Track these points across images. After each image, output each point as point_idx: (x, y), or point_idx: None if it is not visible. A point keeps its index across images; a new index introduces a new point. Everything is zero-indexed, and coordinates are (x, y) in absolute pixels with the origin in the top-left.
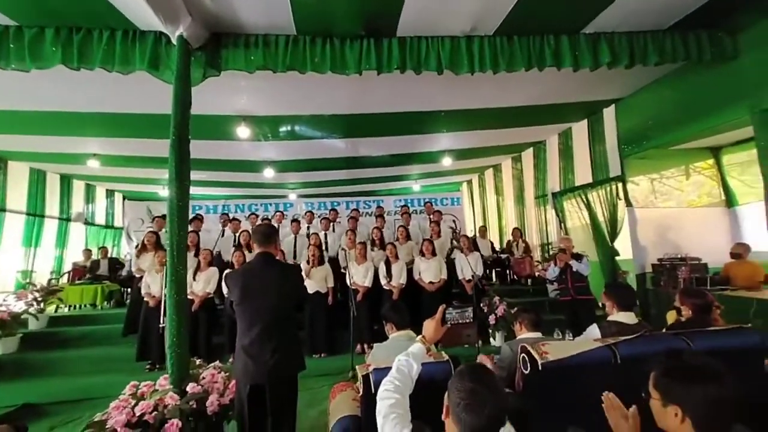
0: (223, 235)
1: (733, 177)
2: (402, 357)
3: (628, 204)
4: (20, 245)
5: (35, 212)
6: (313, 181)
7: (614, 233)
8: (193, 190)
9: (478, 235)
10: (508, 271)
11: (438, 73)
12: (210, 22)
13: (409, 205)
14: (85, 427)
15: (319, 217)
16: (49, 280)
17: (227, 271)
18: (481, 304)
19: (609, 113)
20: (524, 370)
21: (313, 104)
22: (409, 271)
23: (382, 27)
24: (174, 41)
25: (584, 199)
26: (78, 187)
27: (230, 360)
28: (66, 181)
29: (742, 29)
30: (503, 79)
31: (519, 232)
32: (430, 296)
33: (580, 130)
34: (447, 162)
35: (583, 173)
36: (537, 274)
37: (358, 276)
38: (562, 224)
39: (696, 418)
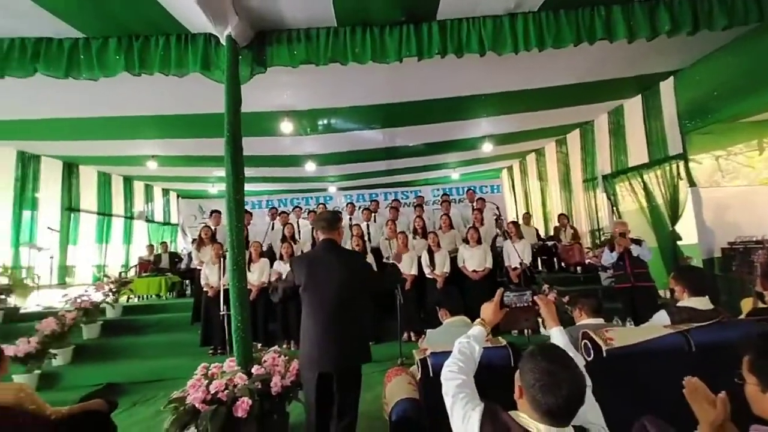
0: (272, 228)
1: None
2: (463, 339)
3: (692, 184)
4: (94, 242)
5: (104, 212)
6: (352, 173)
7: (675, 216)
8: None
9: (522, 222)
10: (555, 259)
11: (480, 55)
12: (255, 21)
13: (449, 193)
14: (168, 402)
15: (359, 208)
16: (120, 273)
17: (282, 259)
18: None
19: (667, 87)
20: (586, 357)
21: (352, 95)
22: (453, 260)
23: (422, 11)
24: (223, 41)
25: (640, 181)
26: (138, 188)
27: (284, 346)
28: (128, 182)
29: None
30: (547, 57)
31: (566, 218)
32: (475, 285)
33: (633, 106)
34: (487, 148)
35: (637, 153)
36: (587, 261)
37: (403, 265)
38: (615, 208)
39: None
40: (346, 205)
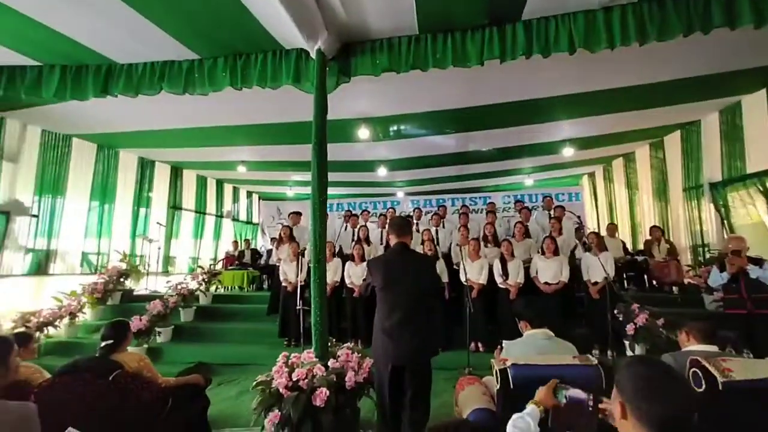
0: (345, 230)
1: None
2: (517, 415)
3: None
4: (191, 236)
5: (200, 210)
6: (421, 178)
7: None
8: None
9: (606, 233)
10: (645, 276)
11: (570, 53)
12: (343, 34)
13: (522, 200)
14: (255, 384)
15: (427, 213)
16: (210, 265)
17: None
18: (615, 311)
19: None
20: (696, 388)
21: (428, 100)
22: (526, 270)
23: (507, 13)
24: (313, 55)
25: (762, 190)
26: (228, 190)
27: (352, 344)
28: (220, 184)
29: None
30: (644, 51)
31: (660, 231)
32: (548, 298)
33: (754, 103)
34: (568, 153)
35: (760, 158)
36: (687, 280)
37: (473, 273)
38: (725, 222)
39: None
40: (414, 209)
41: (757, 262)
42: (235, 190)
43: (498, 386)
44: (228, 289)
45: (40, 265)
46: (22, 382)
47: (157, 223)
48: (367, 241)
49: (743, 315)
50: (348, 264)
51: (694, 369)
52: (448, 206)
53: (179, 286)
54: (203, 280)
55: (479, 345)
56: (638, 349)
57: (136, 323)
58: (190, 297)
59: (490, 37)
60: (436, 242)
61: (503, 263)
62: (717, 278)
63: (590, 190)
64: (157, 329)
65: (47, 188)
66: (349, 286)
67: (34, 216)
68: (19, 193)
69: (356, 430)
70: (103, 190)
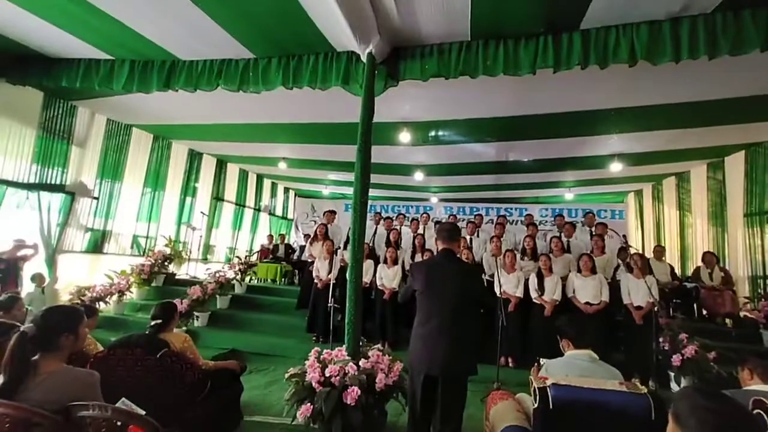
0: (375, 232)
1: None
2: None
3: None
4: (230, 227)
5: (240, 203)
6: (456, 185)
7: None
8: (348, 190)
9: (653, 256)
10: (695, 305)
11: (630, 65)
12: (393, 38)
13: (563, 215)
14: (289, 376)
15: (465, 221)
16: (246, 256)
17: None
18: (660, 339)
19: None
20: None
21: (473, 107)
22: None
23: (565, 21)
24: (363, 58)
25: None
26: (267, 185)
27: (378, 345)
28: (260, 179)
29: None
30: (710, 65)
31: (714, 258)
32: (588, 319)
33: None
34: (615, 168)
35: None
36: (743, 313)
37: (509, 285)
38: None
39: None
40: (449, 216)
41: None
42: (274, 186)
43: (536, 405)
44: (261, 281)
45: (97, 244)
46: (80, 352)
47: (201, 212)
48: (398, 244)
49: None
50: (380, 266)
51: (758, 410)
52: (483, 215)
53: (218, 274)
54: (239, 270)
55: (509, 360)
56: (684, 383)
57: (178, 306)
58: (227, 285)
59: (544, 45)
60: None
61: (540, 278)
62: None
63: (636, 208)
64: (196, 313)
65: (108, 173)
66: (379, 287)
67: (95, 198)
68: (84, 176)
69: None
70: (156, 178)
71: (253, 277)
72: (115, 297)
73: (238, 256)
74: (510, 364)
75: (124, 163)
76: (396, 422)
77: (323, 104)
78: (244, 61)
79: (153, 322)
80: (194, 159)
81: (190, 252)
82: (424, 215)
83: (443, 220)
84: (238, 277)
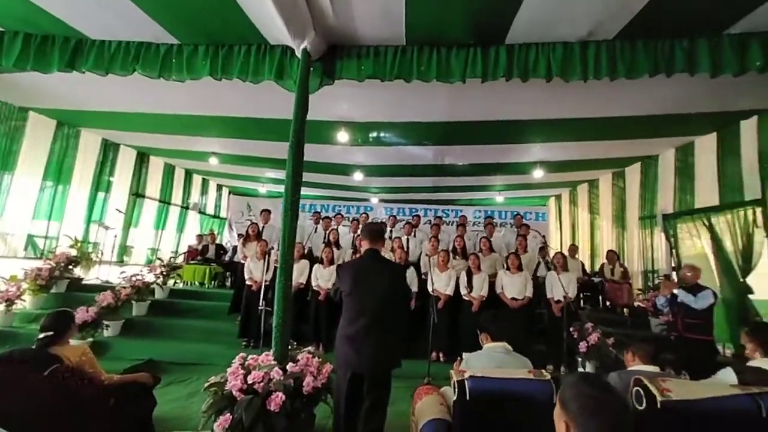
0: (315, 232)
1: None
2: None
3: None
4: (152, 227)
5: (164, 200)
6: (396, 186)
7: (747, 267)
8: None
9: (567, 254)
10: (600, 297)
11: (547, 80)
12: (329, 36)
13: (492, 216)
14: (207, 386)
15: (401, 221)
16: (170, 258)
17: (322, 263)
18: (571, 329)
19: (749, 126)
20: (638, 406)
21: (411, 111)
22: (491, 284)
23: (492, 35)
24: (298, 53)
25: (706, 224)
26: (197, 181)
27: (312, 347)
28: (189, 175)
29: None
30: (615, 86)
31: (616, 256)
32: (512, 313)
33: (706, 144)
34: (538, 174)
35: (706, 194)
36: (637, 304)
37: (440, 283)
38: (674, 251)
39: None
40: (389, 217)
41: (695, 289)
42: (205, 182)
43: (455, 397)
44: (188, 284)
45: None
46: None
47: (116, 209)
48: (337, 244)
49: (680, 338)
50: (316, 266)
51: (636, 388)
52: (421, 216)
53: (134, 278)
54: (161, 272)
55: (440, 355)
56: (589, 366)
57: (81, 314)
58: (145, 290)
59: (474, 56)
60: (406, 251)
61: (469, 276)
62: (661, 302)
63: (556, 211)
64: (105, 322)
65: None
66: (315, 288)
67: None
68: None
69: None
70: (58, 170)
71: (178, 281)
72: (1, 307)
73: (160, 258)
74: (441, 359)
75: (17, 152)
76: (325, 425)
77: (259, 98)
78: (166, 46)
79: (42, 335)
80: (109, 150)
81: (102, 253)
82: (364, 215)
83: (383, 221)
84: (159, 280)
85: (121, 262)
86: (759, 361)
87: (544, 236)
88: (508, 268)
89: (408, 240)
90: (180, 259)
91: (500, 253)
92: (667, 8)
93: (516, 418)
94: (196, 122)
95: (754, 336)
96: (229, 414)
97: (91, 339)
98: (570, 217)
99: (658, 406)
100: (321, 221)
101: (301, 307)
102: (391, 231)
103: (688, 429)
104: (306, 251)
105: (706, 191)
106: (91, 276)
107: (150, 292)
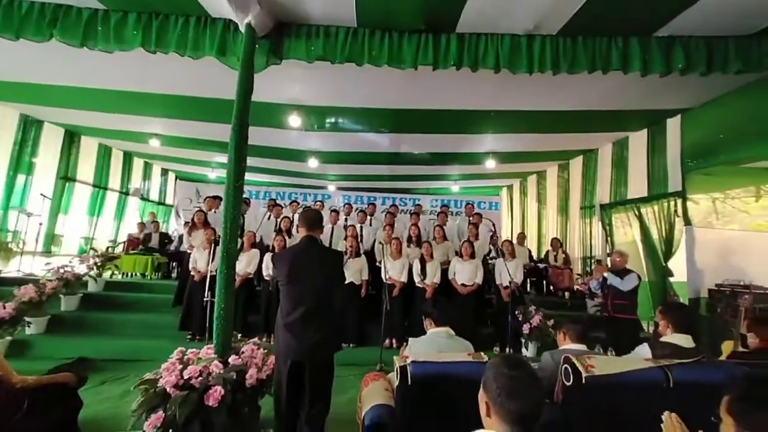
0: (269, 219)
1: None
2: None
3: (687, 222)
4: (85, 214)
5: (100, 185)
6: (353, 174)
7: (669, 252)
8: None
9: (516, 241)
10: (544, 282)
11: (495, 71)
12: (276, 12)
13: (448, 205)
14: (138, 383)
15: (356, 210)
16: (107, 247)
17: (275, 252)
18: (516, 312)
19: (674, 124)
20: (566, 381)
21: (364, 97)
22: (444, 271)
23: (443, 22)
24: (242, 29)
25: (636, 214)
26: (138, 164)
27: (264, 338)
28: (128, 157)
29: None
30: (560, 81)
31: (559, 243)
32: (462, 298)
33: (638, 140)
34: (490, 164)
35: (637, 186)
36: (576, 287)
37: (394, 271)
38: (609, 238)
39: None
40: (344, 205)
41: (622, 273)
42: (147, 166)
43: (397, 382)
44: (127, 276)
45: None
46: None
47: (41, 194)
48: (289, 232)
49: (609, 318)
50: (267, 255)
51: (565, 365)
52: (378, 204)
53: (62, 270)
54: (95, 264)
55: (393, 342)
56: (531, 347)
57: None
58: (75, 282)
59: (425, 42)
60: (360, 239)
61: (422, 263)
62: (594, 284)
63: (508, 201)
64: (27, 318)
65: None
66: (266, 278)
67: None
68: None
69: (256, 430)
70: None
71: (116, 272)
72: None
73: (94, 248)
74: (394, 345)
75: None
76: (272, 416)
77: (205, 76)
78: (89, 11)
79: None
80: (30, 127)
81: (24, 243)
82: (318, 203)
83: (338, 209)
84: (93, 272)
85: (48, 252)
86: (669, 337)
87: (494, 224)
88: (461, 255)
89: (362, 228)
90: (119, 249)
91: (453, 241)
92: (603, 9)
93: (456, 399)
94: (133, 99)
95: (665, 314)
96: (161, 412)
97: (9, 338)
98: (520, 206)
99: (584, 381)
100: (273, 208)
101: (251, 297)
102: (346, 219)
103: (609, 400)
104: (257, 240)
105: (637, 183)
106: (11, 268)
107: (82, 284)
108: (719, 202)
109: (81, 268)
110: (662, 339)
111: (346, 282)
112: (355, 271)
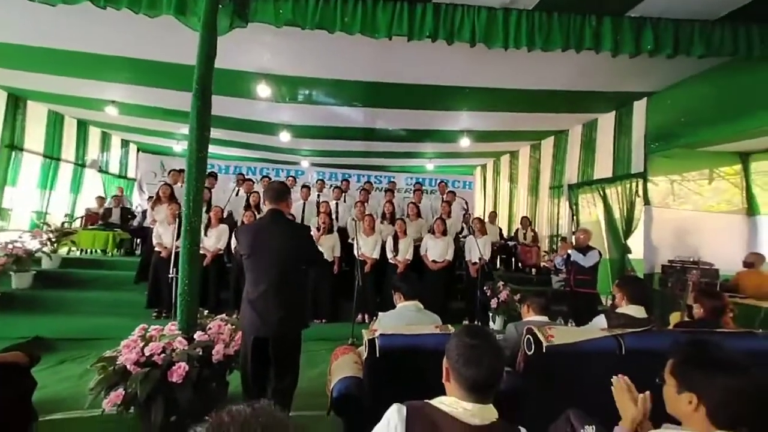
0: (237, 194)
1: (758, 185)
2: None
3: (647, 202)
4: (36, 186)
5: (52, 155)
6: (327, 150)
7: (629, 231)
8: (210, 148)
9: (487, 220)
10: (513, 259)
11: (471, 45)
12: None
13: (422, 183)
14: (96, 361)
15: (330, 186)
16: (63, 223)
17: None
18: (485, 288)
19: (640, 106)
20: (528, 351)
21: (337, 68)
22: (417, 248)
23: None
24: None
25: (601, 194)
26: (94, 134)
27: (235, 315)
28: (83, 126)
29: None
30: (535, 59)
31: (528, 221)
32: (433, 274)
33: (606, 122)
34: (464, 143)
35: (603, 167)
36: (543, 264)
37: (366, 247)
38: (575, 217)
39: (711, 407)
40: (317, 181)
41: (584, 250)
42: (105, 136)
43: (365, 355)
44: (87, 252)
45: None
46: None
47: None
48: (259, 208)
49: (571, 292)
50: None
51: (527, 336)
52: (353, 182)
53: (11, 246)
54: (48, 239)
55: (365, 317)
56: (498, 320)
57: None
58: (27, 259)
59: (400, 11)
60: (335, 216)
61: (395, 240)
62: (559, 261)
63: (481, 180)
64: None
65: None
66: (235, 250)
67: None
68: None
69: (224, 404)
70: None
71: (74, 248)
72: None
73: (46, 222)
74: (366, 320)
75: None
76: (240, 391)
77: (167, 39)
78: None
79: None
80: None
81: None
82: (290, 178)
83: (309, 184)
84: (47, 248)
85: None
86: (624, 308)
87: (466, 202)
88: (433, 232)
89: (337, 205)
90: (77, 224)
91: (427, 219)
92: None
93: (423, 370)
94: (86, 62)
95: (621, 287)
96: (121, 390)
97: None
98: (493, 185)
99: (544, 350)
100: (243, 183)
101: (222, 273)
102: (318, 195)
103: (567, 367)
104: (226, 215)
105: (604, 164)
106: None
107: (35, 261)
108: (677, 184)
109: (33, 244)
110: (618, 310)
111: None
112: (327, 248)
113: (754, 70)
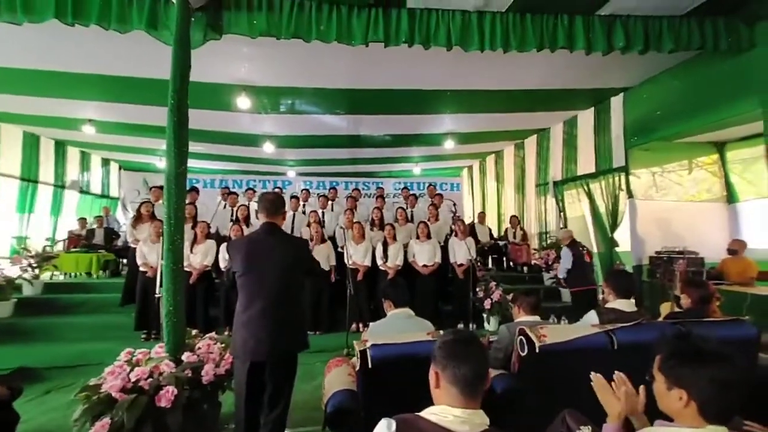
0: (224, 208)
1: (735, 173)
2: None
3: (630, 195)
4: (14, 211)
5: (29, 178)
6: (313, 158)
7: (614, 224)
8: (190, 163)
9: (476, 221)
10: (504, 258)
11: (447, 49)
12: None
13: (410, 188)
14: (79, 391)
15: (317, 195)
16: (44, 247)
17: (231, 240)
18: (477, 289)
19: (617, 102)
20: (521, 352)
21: (317, 77)
22: (406, 254)
23: None
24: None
25: (586, 189)
26: (73, 154)
27: (225, 332)
28: (60, 147)
29: (760, 19)
30: (512, 61)
31: (517, 220)
32: (424, 279)
33: (586, 118)
34: (449, 145)
35: (586, 163)
36: (533, 261)
37: (357, 255)
38: (562, 213)
39: (702, 402)
40: (302, 191)
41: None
42: (85, 156)
43: (358, 366)
44: (71, 276)
45: None
46: None
47: None
48: (247, 221)
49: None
50: (224, 246)
51: (521, 336)
52: (341, 189)
53: None
54: (29, 265)
55: (360, 326)
56: (493, 321)
57: None
58: (7, 287)
59: (375, 18)
60: (322, 224)
61: (385, 246)
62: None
63: (468, 181)
64: None
65: None
66: (224, 270)
67: None
68: None
69: (216, 426)
70: None
71: (56, 273)
72: None
73: (26, 248)
74: (360, 329)
75: None
76: (233, 411)
77: (142, 54)
78: None
79: None
80: None
81: None
82: (277, 189)
83: (298, 194)
84: (27, 274)
85: None
86: (613, 303)
87: (454, 204)
88: (418, 237)
89: (323, 213)
90: (59, 247)
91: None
92: None
93: (417, 379)
94: (59, 81)
95: (609, 281)
96: (108, 419)
97: None
98: (480, 186)
99: (537, 350)
100: (228, 197)
101: (211, 290)
102: (304, 205)
103: (560, 366)
104: (214, 231)
105: (586, 160)
106: None
107: (15, 288)
108: (658, 176)
109: (13, 271)
110: (607, 305)
111: None
112: (322, 258)
113: (723, 62)
